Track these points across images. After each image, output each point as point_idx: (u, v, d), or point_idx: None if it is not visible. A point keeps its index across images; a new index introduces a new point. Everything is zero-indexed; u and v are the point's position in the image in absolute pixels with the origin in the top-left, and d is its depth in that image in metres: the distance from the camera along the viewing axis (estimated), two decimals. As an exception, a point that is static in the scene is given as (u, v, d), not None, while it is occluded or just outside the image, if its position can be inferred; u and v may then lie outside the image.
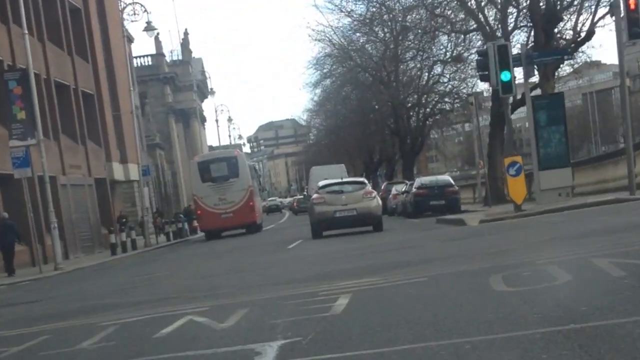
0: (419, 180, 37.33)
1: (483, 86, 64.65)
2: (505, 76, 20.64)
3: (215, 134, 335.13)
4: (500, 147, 39.47)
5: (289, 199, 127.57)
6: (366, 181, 29.62)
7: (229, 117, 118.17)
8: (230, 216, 39.65)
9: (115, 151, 49.48)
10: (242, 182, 40.30)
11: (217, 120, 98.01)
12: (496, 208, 30.61)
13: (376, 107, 66.70)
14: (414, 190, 36.22)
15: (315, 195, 26.18)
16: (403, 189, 42.95)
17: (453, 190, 35.66)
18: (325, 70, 68.68)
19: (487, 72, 21.08)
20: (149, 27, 43.16)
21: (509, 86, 20.83)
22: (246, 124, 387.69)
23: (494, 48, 20.89)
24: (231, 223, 39.95)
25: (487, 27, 39.35)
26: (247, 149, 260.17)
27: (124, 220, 49.04)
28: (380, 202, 27.57)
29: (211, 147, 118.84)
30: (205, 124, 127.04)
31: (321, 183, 27.39)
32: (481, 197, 47.43)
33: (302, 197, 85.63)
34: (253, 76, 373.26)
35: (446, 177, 38.00)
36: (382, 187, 54.68)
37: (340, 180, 28.62)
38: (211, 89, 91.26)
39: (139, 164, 43.29)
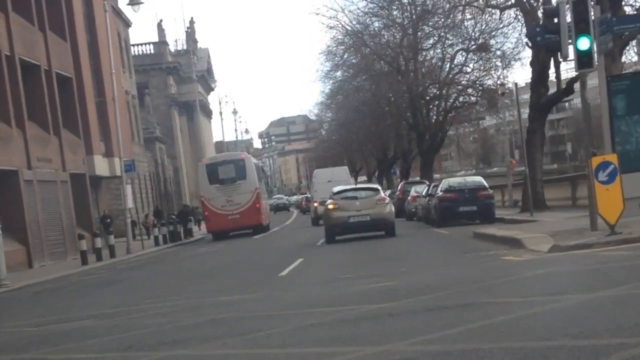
0: (446, 182, 31.49)
1: (509, 78, 58.81)
2: (583, 43, 14.84)
3: (223, 128, 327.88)
4: (540, 144, 33.74)
5: (295, 197, 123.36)
6: (379, 187, 29.88)
7: (234, 109, 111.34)
8: (237, 217, 40.11)
9: (98, 143, 43.81)
10: (249, 184, 40.77)
11: (220, 113, 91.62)
12: (543, 218, 24.83)
13: (392, 99, 60.79)
14: (439, 193, 30.44)
15: (329, 201, 26.65)
16: (424, 191, 37.19)
17: (487, 195, 29.87)
18: (337, 59, 62.81)
19: (553, 38, 15.22)
20: (133, 1, 37.47)
21: (587, 58, 14.93)
22: (258, 120, 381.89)
23: (567, 5, 15.07)
24: (237, 224, 40.39)
25: (527, 3, 33.63)
26: (257, 144, 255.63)
27: (108, 220, 43.58)
28: (393, 208, 27.84)
29: (219, 143, 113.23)
30: (213, 118, 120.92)
31: (336, 189, 28.00)
32: (512, 201, 41.70)
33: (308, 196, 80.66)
34: (266, 71, 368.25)
35: (478, 179, 32.13)
36: (399, 187, 48.89)
37: (354, 186, 29.85)
38: (211, 77, 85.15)
39: (121, 157, 37.62)
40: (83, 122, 40.37)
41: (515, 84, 28.40)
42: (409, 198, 41.66)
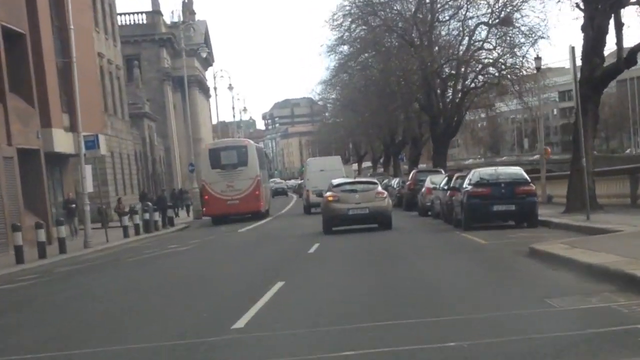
0: (477, 174, 24.90)
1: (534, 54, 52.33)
2: None
3: (222, 109, 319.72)
4: (593, 127, 27.29)
5: (292, 182, 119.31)
6: (377, 181, 30.90)
7: (230, 84, 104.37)
8: (236, 203, 40.79)
9: (59, 114, 37.23)
10: (250, 171, 41.48)
11: (215, 88, 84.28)
12: (612, 225, 18.37)
13: (402, 77, 54.11)
14: (467, 187, 23.95)
15: (329, 193, 27.03)
16: (443, 182, 30.77)
17: (528, 190, 23.32)
18: (342, 30, 56.07)
19: None
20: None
21: None
22: (262, 101, 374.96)
23: None
24: (236, 210, 41.03)
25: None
26: (261, 125, 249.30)
27: (73, 205, 37.25)
28: (390, 201, 28.43)
29: (222, 123, 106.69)
30: (212, 97, 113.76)
31: (335, 181, 28.45)
32: (546, 197, 35.31)
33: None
34: (271, 51, 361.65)
35: (516, 169, 25.54)
36: (411, 176, 42.41)
37: (353, 180, 31.87)
38: (200, 47, 78.38)
39: (79, 131, 31.25)
40: (39, 89, 33.85)
41: (572, 47, 21.75)
42: (423, 190, 35.24)
